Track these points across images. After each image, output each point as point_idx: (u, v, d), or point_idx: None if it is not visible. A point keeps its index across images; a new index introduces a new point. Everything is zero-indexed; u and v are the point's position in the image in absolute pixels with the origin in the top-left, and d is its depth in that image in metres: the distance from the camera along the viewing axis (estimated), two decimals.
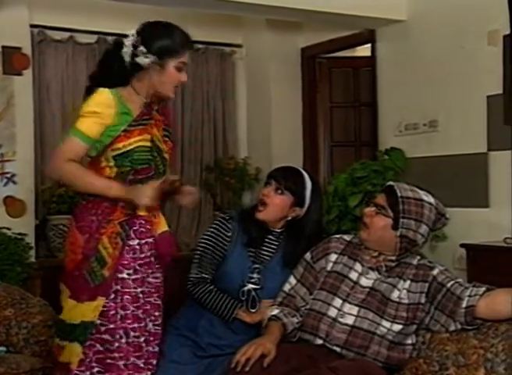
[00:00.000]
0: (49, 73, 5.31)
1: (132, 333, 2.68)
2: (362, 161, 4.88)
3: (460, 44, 4.62)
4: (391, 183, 2.74)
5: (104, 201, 2.71)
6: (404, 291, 2.63)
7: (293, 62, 5.92)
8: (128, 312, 2.68)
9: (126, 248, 2.69)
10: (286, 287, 2.82)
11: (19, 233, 4.71)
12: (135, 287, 2.69)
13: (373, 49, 5.34)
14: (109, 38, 5.46)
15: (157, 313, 2.78)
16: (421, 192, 2.71)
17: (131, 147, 2.69)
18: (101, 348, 2.67)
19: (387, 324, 2.58)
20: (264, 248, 3.02)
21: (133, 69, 2.73)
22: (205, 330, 2.95)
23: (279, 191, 2.98)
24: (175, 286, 3.10)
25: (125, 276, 2.69)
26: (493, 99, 4.44)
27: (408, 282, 2.65)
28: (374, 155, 5.10)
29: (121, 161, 2.70)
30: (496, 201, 4.48)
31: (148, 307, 2.75)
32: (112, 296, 2.67)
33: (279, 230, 3.04)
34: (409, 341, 2.62)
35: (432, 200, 2.69)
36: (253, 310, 2.93)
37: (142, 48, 2.68)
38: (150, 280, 2.76)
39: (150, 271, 2.76)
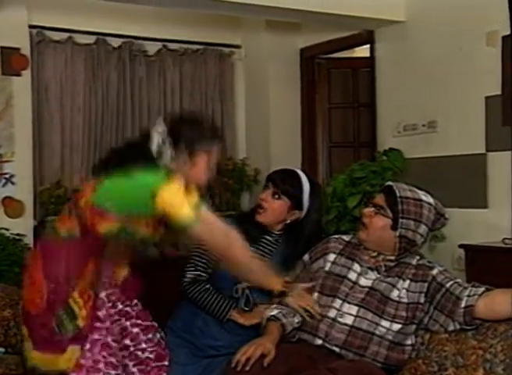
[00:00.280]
0: (48, 74, 5.30)
1: None
2: (361, 162, 4.89)
3: (458, 44, 4.62)
4: (390, 183, 2.74)
5: (79, 248, 2.61)
6: (404, 291, 2.63)
7: (292, 63, 5.92)
8: (100, 358, 2.62)
9: (99, 300, 2.66)
10: None
11: (18, 234, 4.71)
12: (105, 336, 2.65)
13: (372, 50, 5.35)
14: (108, 39, 5.48)
15: (143, 337, 2.79)
16: (420, 192, 2.71)
17: (136, 230, 2.63)
18: None
19: (386, 324, 2.58)
20: (262, 248, 3.02)
21: (160, 160, 2.60)
22: (201, 331, 2.95)
23: (276, 196, 2.98)
24: (172, 286, 3.10)
25: (96, 325, 2.64)
26: (492, 100, 4.44)
27: (408, 281, 2.65)
28: (372, 156, 5.09)
29: (122, 232, 2.62)
30: (495, 201, 4.48)
31: (128, 342, 2.75)
32: (88, 346, 2.61)
33: (277, 233, 3.04)
34: (408, 342, 2.62)
35: (431, 200, 2.69)
36: (247, 309, 2.93)
37: (172, 145, 2.59)
38: (125, 324, 2.75)
39: (119, 310, 2.75)
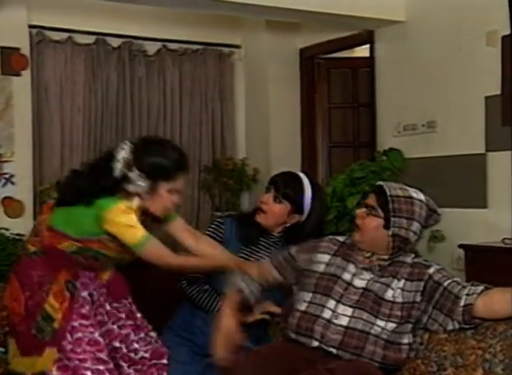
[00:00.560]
0: (48, 74, 5.31)
1: None
2: (360, 162, 4.89)
3: (458, 44, 4.62)
4: (380, 182, 2.73)
5: (48, 261, 2.70)
6: (398, 290, 2.62)
7: (292, 63, 5.92)
8: (86, 356, 2.62)
9: (81, 298, 2.69)
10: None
11: (18, 234, 4.71)
12: (92, 332, 2.66)
13: (372, 50, 5.35)
14: (108, 39, 5.48)
15: (135, 337, 2.81)
16: (411, 190, 2.70)
17: (99, 250, 2.69)
18: None
19: (381, 323, 2.58)
20: (260, 249, 3.02)
21: (122, 183, 2.64)
22: (200, 330, 2.95)
23: (277, 200, 2.99)
24: (172, 287, 3.10)
25: (79, 323, 2.66)
26: (492, 100, 4.44)
27: (403, 281, 2.64)
28: (372, 156, 5.10)
29: (84, 251, 2.69)
30: (495, 201, 4.48)
31: (118, 344, 2.76)
32: (70, 347, 2.63)
33: (277, 235, 3.05)
34: (405, 341, 2.61)
35: (421, 197, 2.69)
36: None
37: (136, 172, 2.61)
38: (111, 327, 2.77)
39: (105, 312, 2.78)
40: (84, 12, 5.28)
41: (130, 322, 2.82)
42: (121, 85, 5.56)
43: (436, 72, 4.76)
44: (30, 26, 5.12)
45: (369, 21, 5.03)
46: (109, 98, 5.51)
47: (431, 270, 2.63)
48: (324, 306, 2.63)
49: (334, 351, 2.58)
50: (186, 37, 5.76)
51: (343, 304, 2.62)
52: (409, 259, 2.69)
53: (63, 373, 2.61)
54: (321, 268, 2.73)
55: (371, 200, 2.69)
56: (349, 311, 2.60)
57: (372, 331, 2.56)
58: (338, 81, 5.99)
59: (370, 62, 5.36)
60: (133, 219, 2.60)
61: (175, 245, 2.89)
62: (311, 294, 2.68)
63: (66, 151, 5.36)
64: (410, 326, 2.61)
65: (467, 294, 2.52)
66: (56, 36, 5.31)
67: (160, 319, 3.00)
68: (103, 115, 5.50)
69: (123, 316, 2.82)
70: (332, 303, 2.63)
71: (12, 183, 4.92)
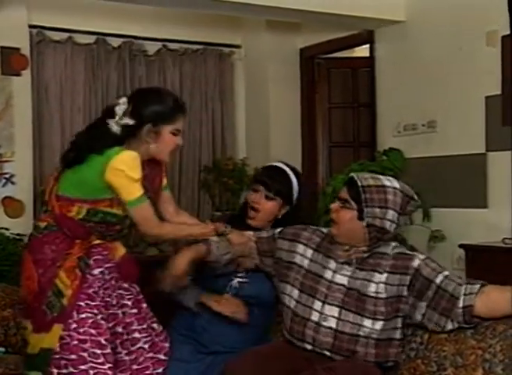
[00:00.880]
0: (48, 74, 5.31)
1: (93, 360, 2.62)
2: (361, 161, 4.89)
3: (458, 44, 4.62)
4: (352, 174, 2.71)
5: (60, 235, 2.72)
6: (381, 285, 2.58)
7: (292, 63, 5.92)
8: (87, 337, 2.63)
9: (91, 277, 2.70)
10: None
11: (18, 234, 4.71)
12: (96, 314, 2.67)
13: (372, 50, 5.35)
14: (108, 39, 5.48)
15: (138, 327, 2.81)
16: (383, 178, 2.68)
17: (108, 210, 2.71)
18: None
19: (368, 323, 2.55)
20: None
21: (126, 135, 2.70)
22: (203, 328, 2.96)
23: (269, 198, 3.00)
24: None
25: (86, 303, 2.67)
26: (492, 100, 4.44)
27: (385, 275, 2.59)
28: (372, 156, 5.10)
29: (93, 214, 2.71)
30: (495, 201, 4.48)
31: (120, 330, 2.77)
32: (74, 326, 2.64)
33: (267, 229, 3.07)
34: (397, 336, 2.58)
35: (396, 184, 2.65)
36: (227, 295, 2.92)
37: (137, 121, 2.68)
38: (116, 311, 2.77)
39: (114, 294, 2.77)
40: (84, 12, 5.28)
41: (135, 310, 2.82)
42: (121, 85, 5.56)
43: (436, 72, 4.77)
44: (30, 26, 5.13)
45: (369, 21, 5.04)
46: (109, 98, 5.50)
47: (415, 263, 2.59)
48: (311, 308, 2.62)
49: (328, 353, 2.57)
50: (187, 37, 5.77)
51: (329, 304, 2.60)
52: (389, 250, 2.65)
53: (63, 351, 2.63)
54: (306, 263, 2.72)
55: (344, 193, 2.68)
56: (335, 311, 2.59)
57: (361, 333, 2.55)
58: (338, 81, 5.99)
59: (370, 62, 5.36)
60: (137, 173, 2.64)
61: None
62: (297, 292, 2.67)
63: None
64: (399, 320, 2.58)
65: (465, 294, 2.50)
66: (56, 36, 5.31)
67: (164, 317, 3.01)
68: None
69: (129, 303, 2.82)
70: (318, 304, 2.62)
71: (12, 183, 4.93)
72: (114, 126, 2.68)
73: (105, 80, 5.51)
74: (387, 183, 2.64)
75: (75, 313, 2.65)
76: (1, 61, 4.90)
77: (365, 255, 2.64)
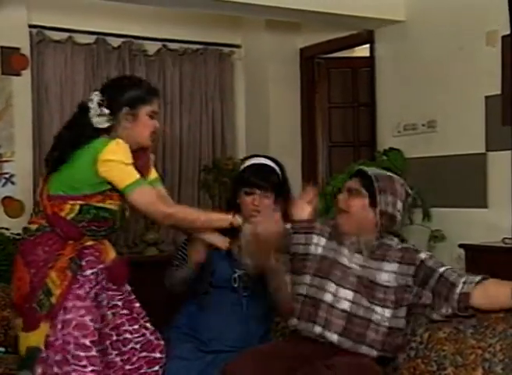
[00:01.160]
0: (48, 74, 5.30)
1: (76, 362, 2.62)
2: (361, 161, 4.88)
3: (458, 44, 4.62)
4: (360, 167, 2.79)
5: (53, 236, 2.73)
6: (392, 274, 2.65)
7: (292, 63, 5.92)
8: (70, 339, 2.63)
9: (82, 278, 2.70)
10: None
11: (18, 234, 4.70)
12: (82, 315, 2.66)
13: (372, 50, 5.35)
14: (108, 39, 5.48)
15: (129, 327, 2.82)
16: (388, 172, 2.81)
17: (100, 205, 2.72)
18: None
19: (379, 310, 2.60)
20: None
21: (107, 126, 2.74)
22: (205, 326, 2.97)
23: (267, 196, 3.07)
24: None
25: (73, 304, 2.67)
26: (492, 100, 4.44)
27: (395, 264, 2.66)
28: (372, 156, 5.10)
29: (86, 211, 2.72)
30: (495, 201, 4.48)
31: (108, 331, 2.78)
32: (59, 326, 2.65)
33: None
34: (402, 326, 2.65)
35: (399, 177, 2.78)
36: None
37: (113, 109, 2.72)
38: (105, 312, 2.78)
39: (104, 295, 2.78)
40: (84, 12, 5.27)
41: (125, 311, 2.83)
42: None
43: (436, 72, 4.77)
44: (30, 26, 5.12)
45: (369, 21, 5.03)
46: None
47: (422, 255, 2.68)
48: (324, 290, 2.65)
49: (336, 337, 2.59)
50: (187, 36, 5.76)
51: (343, 287, 2.64)
52: (394, 244, 2.73)
53: (47, 351, 2.64)
54: (320, 251, 2.74)
55: (353, 183, 2.74)
56: (350, 295, 2.63)
57: (373, 318, 2.59)
58: (338, 81, 5.99)
59: (370, 61, 5.36)
60: (127, 157, 2.67)
61: None
62: (309, 277, 2.69)
63: None
64: (404, 310, 2.63)
65: (464, 283, 2.54)
66: (56, 36, 5.30)
67: (165, 317, 3.02)
68: None
69: (120, 304, 2.82)
70: (332, 287, 2.65)
71: (12, 183, 4.92)
72: (93, 119, 2.71)
73: (105, 79, 5.48)
74: (392, 175, 2.76)
75: (62, 313, 2.65)
76: (1, 61, 4.90)
77: (375, 244, 2.68)
